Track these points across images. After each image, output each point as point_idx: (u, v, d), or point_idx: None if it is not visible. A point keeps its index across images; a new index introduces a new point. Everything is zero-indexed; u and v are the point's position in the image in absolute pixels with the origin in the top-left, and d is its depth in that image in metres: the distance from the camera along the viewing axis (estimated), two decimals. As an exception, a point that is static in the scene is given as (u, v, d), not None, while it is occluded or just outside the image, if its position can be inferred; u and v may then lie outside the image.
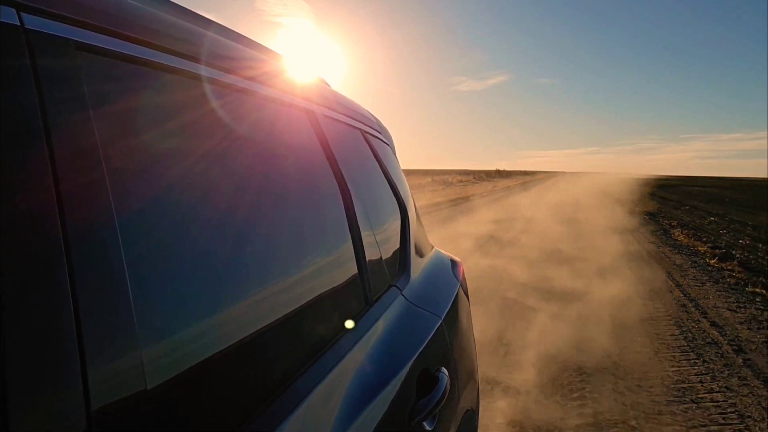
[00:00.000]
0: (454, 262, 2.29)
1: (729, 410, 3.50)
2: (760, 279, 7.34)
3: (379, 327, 1.21)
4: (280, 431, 0.74)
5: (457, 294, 1.95)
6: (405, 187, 2.08)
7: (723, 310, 5.90)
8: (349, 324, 1.12)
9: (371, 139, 1.82)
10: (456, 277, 2.13)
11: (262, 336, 0.81)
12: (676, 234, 12.16)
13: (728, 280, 7.37)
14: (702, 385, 3.88)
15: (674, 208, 21.38)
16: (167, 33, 0.74)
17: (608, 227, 12.37)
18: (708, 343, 4.80)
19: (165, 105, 0.74)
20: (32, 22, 0.52)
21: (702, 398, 3.67)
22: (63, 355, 0.45)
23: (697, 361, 4.35)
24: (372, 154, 1.77)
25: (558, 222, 13.43)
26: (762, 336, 4.99)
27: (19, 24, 0.50)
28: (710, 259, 8.81)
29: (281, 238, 0.99)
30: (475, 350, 2.15)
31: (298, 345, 0.93)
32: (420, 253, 1.93)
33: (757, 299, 6.36)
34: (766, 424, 3.34)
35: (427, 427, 1.18)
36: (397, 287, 1.49)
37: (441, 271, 2.06)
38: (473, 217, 14.49)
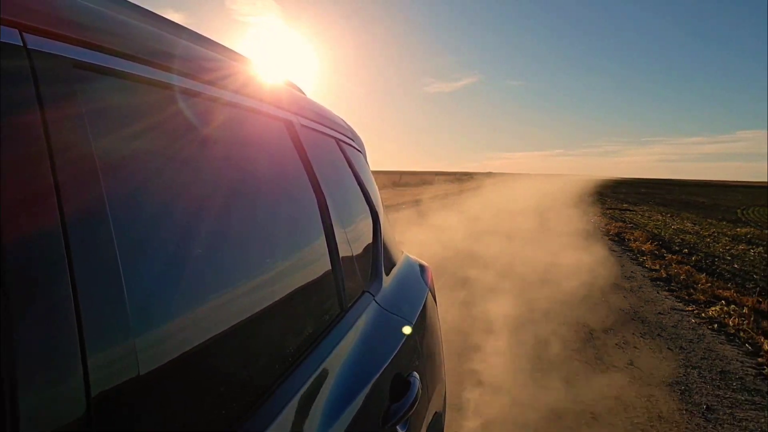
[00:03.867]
0: (422, 267, 2.34)
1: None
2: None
3: (354, 333, 1.24)
4: None
5: (426, 299, 1.99)
6: (376, 193, 2.11)
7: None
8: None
9: (345, 146, 1.85)
10: (425, 283, 2.18)
11: (238, 341, 0.84)
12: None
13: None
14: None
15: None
16: (159, 49, 0.76)
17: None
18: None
19: (153, 117, 0.76)
20: (34, 42, 0.54)
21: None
22: (64, 344, 0.49)
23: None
24: (346, 162, 1.80)
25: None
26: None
27: (21, 44, 0.52)
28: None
29: (257, 245, 1.01)
30: (442, 354, 2.20)
31: (275, 351, 0.95)
32: (391, 259, 1.97)
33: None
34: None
35: (400, 431, 1.21)
36: (370, 293, 1.52)
37: (411, 277, 2.10)
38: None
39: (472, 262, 8.21)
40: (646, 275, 8.19)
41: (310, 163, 1.34)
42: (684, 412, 3.58)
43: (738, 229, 16.55)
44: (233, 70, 1.03)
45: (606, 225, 15.37)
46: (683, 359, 4.57)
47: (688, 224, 17.38)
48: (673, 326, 5.54)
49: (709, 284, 7.38)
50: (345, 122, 2.05)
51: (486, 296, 6.18)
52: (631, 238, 12.39)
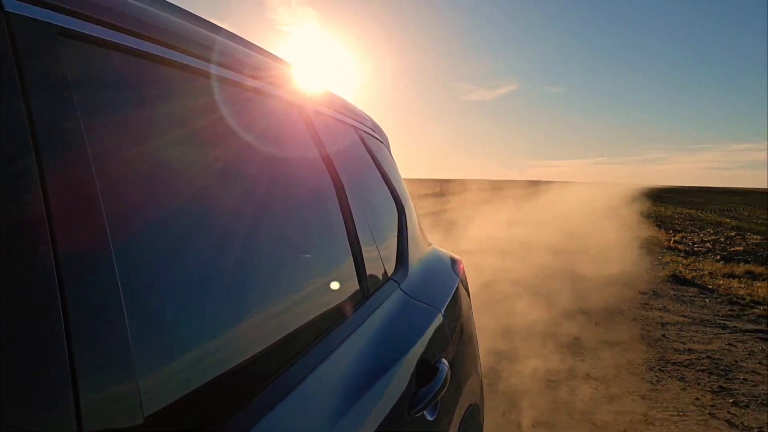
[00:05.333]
0: (453, 260, 2.29)
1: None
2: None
3: (377, 318, 1.21)
4: (274, 417, 0.74)
5: (457, 289, 1.94)
6: (401, 184, 2.08)
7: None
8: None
9: (366, 136, 1.83)
10: (456, 273, 2.13)
11: (259, 327, 0.82)
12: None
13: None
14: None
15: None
16: (153, 24, 0.74)
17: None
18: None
19: (152, 98, 0.73)
20: (13, 5, 0.52)
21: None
22: (55, 382, 0.44)
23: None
24: (366, 152, 1.77)
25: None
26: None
27: None
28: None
29: (278, 234, 0.99)
30: (477, 346, 2.14)
31: (296, 338, 0.93)
32: (418, 249, 1.93)
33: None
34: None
35: (428, 417, 1.17)
36: (395, 281, 1.49)
37: (440, 267, 2.05)
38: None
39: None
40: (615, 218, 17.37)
41: (328, 151, 1.32)
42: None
43: (686, 211, 26.68)
44: (242, 53, 1.02)
45: (614, 208, 24.28)
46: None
47: (661, 208, 27.42)
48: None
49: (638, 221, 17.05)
50: (366, 114, 2.03)
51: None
52: (623, 211, 21.49)
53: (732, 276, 8.22)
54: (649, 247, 11.00)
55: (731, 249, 11.35)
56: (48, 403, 0.44)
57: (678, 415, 3.50)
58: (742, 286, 7.50)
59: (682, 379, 4.11)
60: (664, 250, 10.90)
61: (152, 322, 0.60)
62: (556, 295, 6.34)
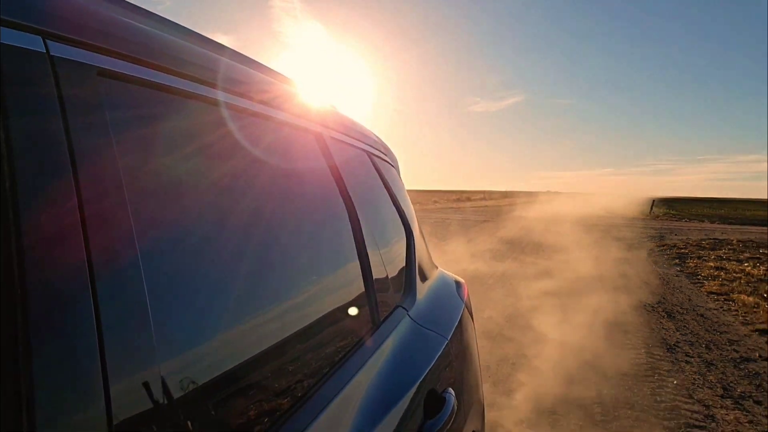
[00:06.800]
0: (458, 283, 2.29)
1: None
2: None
3: (387, 348, 1.21)
4: None
5: (462, 315, 1.94)
6: (410, 208, 2.09)
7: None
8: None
9: (377, 160, 1.84)
10: (461, 298, 2.13)
11: (271, 356, 0.82)
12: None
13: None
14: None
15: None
16: (184, 59, 0.76)
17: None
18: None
19: (181, 129, 0.76)
20: (57, 49, 0.54)
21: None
22: (86, 370, 0.47)
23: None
24: (378, 176, 1.78)
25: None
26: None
27: (44, 51, 0.52)
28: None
29: (291, 260, 1.00)
30: (480, 372, 2.13)
31: (308, 365, 0.93)
32: (425, 274, 1.94)
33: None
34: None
35: (435, 449, 1.17)
36: (404, 308, 1.49)
37: (446, 292, 2.06)
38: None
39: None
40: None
41: (341, 176, 1.33)
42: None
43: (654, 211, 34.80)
44: (261, 82, 1.03)
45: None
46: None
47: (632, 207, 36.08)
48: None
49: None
50: (377, 136, 2.05)
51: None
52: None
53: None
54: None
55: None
56: (81, 391, 0.46)
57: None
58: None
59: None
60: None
61: (174, 346, 0.62)
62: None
